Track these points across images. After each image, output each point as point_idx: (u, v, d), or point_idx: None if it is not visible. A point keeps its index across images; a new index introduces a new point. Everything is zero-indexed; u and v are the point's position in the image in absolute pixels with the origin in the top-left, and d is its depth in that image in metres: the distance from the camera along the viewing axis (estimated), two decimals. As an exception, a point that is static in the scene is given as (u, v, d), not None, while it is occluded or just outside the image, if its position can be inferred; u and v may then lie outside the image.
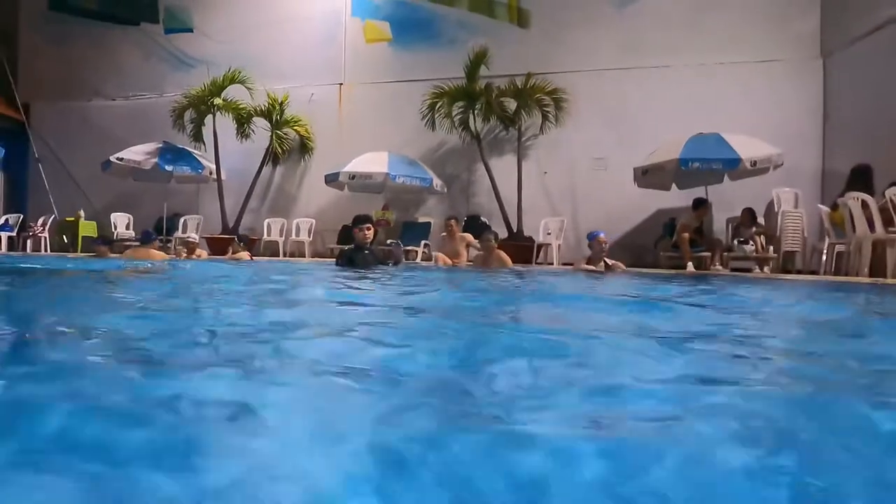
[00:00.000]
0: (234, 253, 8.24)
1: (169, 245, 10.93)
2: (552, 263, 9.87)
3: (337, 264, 6.49)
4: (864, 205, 5.70)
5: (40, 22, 14.16)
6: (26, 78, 14.12)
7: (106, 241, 8.47)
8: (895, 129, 7.96)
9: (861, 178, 6.50)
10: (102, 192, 13.06)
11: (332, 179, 10.58)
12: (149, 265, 6.60)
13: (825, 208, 7.37)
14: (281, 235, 11.48)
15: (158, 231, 11.45)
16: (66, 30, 13.94)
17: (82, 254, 11.42)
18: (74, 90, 13.77)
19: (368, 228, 6.15)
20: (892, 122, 8.03)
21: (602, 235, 6.63)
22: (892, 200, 5.37)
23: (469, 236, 8.18)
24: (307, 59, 12.27)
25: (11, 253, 11.48)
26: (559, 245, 10.05)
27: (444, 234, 8.58)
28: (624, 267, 6.81)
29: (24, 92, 13.95)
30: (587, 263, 6.74)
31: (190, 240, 8.67)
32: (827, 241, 6.99)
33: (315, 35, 12.30)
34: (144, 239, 7.90)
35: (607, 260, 6.66)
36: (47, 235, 12.01)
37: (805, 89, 9.88)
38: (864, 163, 6.80)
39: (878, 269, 5.83)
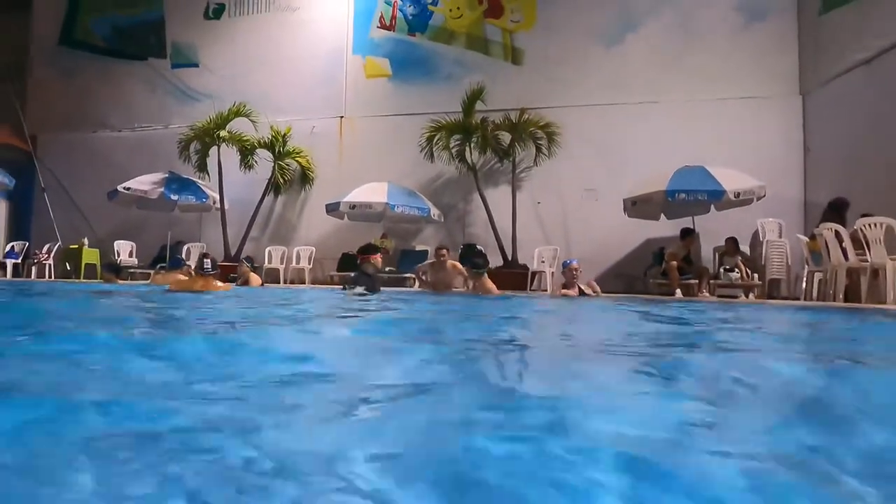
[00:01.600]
0: (243, 275, 8.41)
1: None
2: (546, 290, 10.16)
3: (343, 289, 6.80)
4: (838, 235, 6.06)
5: (50, 56, 14.65)
6: (34, 110, 14.56)
7: (113, 268, 8.72)
8: (869, 162, 8.44)
9: (836, 211, 6.89)
10: (106, 220, 13.35)
11: (332, 209, 10.92)
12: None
13: (804, 238, 7.75)
14: (282, 263, 11.75)
15: (162, 259, 11.74)
16: (75, 64, 14.44)
17: (85, 280, 11.65)
18: (81, 122, 14.19)
19: (374, 256, 6.57)
20: (866, 156, 8.51)
21: (574, 263, 7.07)
22: (861, 230, 5.75)
23: (459, 266, 8.11)
24: (309, 94, 12.75)
25: (15, 279, 11.70)
26: (552, 272, 10.37)
27: (432, 261, 8.34)
28: (597, 290, 7.21)
29: (32, 124, 14.38)
30: (563, 288, 7.15)
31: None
32: (806, 268, 7.35)
33: (317, 71, 12.81)
34: (174, 264, 8.17)
35: (580, 285, 7.03)
36: (52, 263, 12.24)
37: (786, 124, 10.38)
38: (840, 196, 7.21)
39: (853, 294, 6.17)
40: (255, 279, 8.77)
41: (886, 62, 8.36)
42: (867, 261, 5.71)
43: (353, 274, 7.14)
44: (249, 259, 9.01)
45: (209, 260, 6.99)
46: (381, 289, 7.28)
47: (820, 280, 7.09)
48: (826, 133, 9.82)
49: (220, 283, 6.91)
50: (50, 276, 12.12)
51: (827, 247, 6.20)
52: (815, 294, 7.16)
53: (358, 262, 7.15)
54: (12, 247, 12.57)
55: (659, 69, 11.02)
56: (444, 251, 7.97)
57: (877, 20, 8.54)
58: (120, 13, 14.26)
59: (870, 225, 5.73)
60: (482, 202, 10.87)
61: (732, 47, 10.72)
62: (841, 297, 5.97)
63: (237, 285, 8.08)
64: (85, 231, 13.23)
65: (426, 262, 8.34)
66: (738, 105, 10.55)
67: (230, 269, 10.61)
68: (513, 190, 10.74)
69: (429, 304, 5.42)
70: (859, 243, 5.83)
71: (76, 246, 12.50)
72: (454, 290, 7.94)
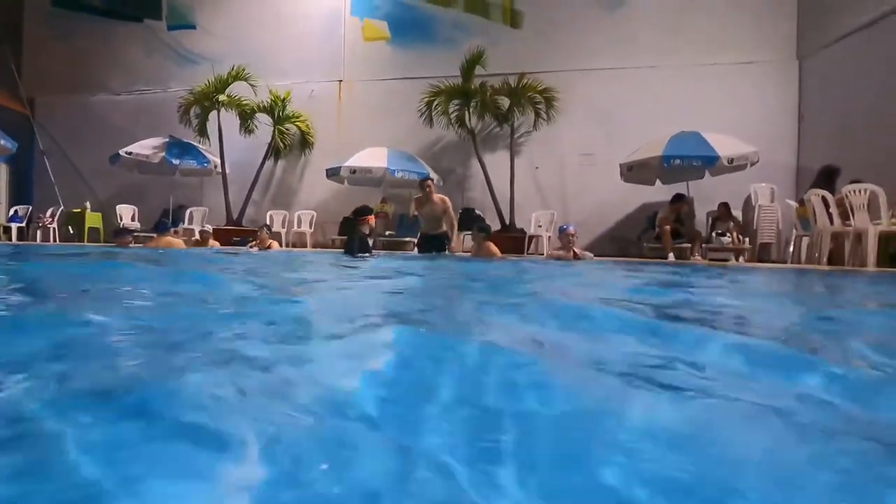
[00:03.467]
0: (263, 242, 8.59)
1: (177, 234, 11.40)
2: (543, 254, 10.40)
3: (347, 253, 7.07)
4: (825, 200, 6.27)
5: (44, 17, 14.46)
6: (31, 73, 14.45)
7: (128, 231, 8.90)
8: (862, 129, 8.58)
9: (826, 178, 7.06)
10: (107, 184, 13.46)
11: (333, 173, 11.06)
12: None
13: (793, 203, 7.96)
14: (283, 227, 11.95)
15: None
16: (70, 25, 14.26)
17: (89, 243, 11.86)
18: (79, 85, 14.13)
19: (369, 218, 6.83)
20: (859, 123, 8.64)
21: (570, 229, 7.29)
22: (847, 196, 5.95)
23: (447, 200, 7.86)
24: (308, 56, 12.71)
25: (20, 243, 11.88)
26: (549, 237, 10.59)
27: (418, 195, 7.96)
28: (591, 256, 7.48)
29: (29, 86, 14.29)
30: (557, 251, 7.40)
31: (206, 230, 9.19)
32: (794, 233, 7.58)
33: (315, 33, 12.74)
34: (161, 229, 8.35)
35: (576, 250, 7.28)
36: (56, 226, 12.41)
37: (782, 90, 10.46)
38: (831, 164, 7.37)
39: (838, 258, 6.42)
40: (275, 245, 8.96)
41: (883, 28, 8.40)
42: (851, 226, 5.93)
43: (352, 236, 7.36)
44: (269, 227, 9.18)
45: (165, 221, 8.56)
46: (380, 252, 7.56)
47: (808, 244, 7.33)
48: (821, 99, 9.91)
49: (176, 241, 8.07)
50: (54, 240, 12.31)
51: (814, 212, 6.40)
52: (802, 258, 7.41)
53: (355, 223, 7.35)
54: (16, 211, 12.71)
55: (658, 33, 11.00)
56: (430, 182, 7.88)
57: (873, -14, 8.54)
58: (114, -28, 14.03)
59: (855, 191, 5.94)
60: (480, 167, 11.00)
61: (732, 12, 10.69)
62: (825, 260, 6.21)
63: (258, 250, 8.28)
64: (87, 195, 13.36)
65: (414, 198, 8.15)
66: (735, 70, 10.60)
67: (232, 233, 10.85)
68: (511, 154, 10.87)
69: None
70: (844, 208, 6.04)
71: (79, 210, 12.67)
72: (457, 252, 8.12)
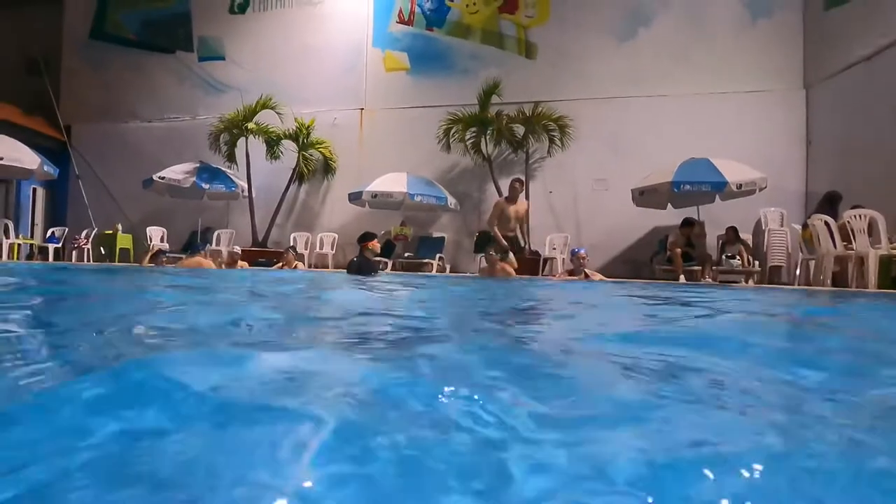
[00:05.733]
0: (289, 263, 9.01)
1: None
2: (555, 275, 10.72)
3: (348, 272, 7.53)
4: (828, 225, 6.57)
5: (82, 49, 15.28)
6: (68, 101, 15.22)
7: (163, 252, 9.39)
8: (867, 154, 8.87)
9: (829, 203, 7.37)
10: (137, 206, 14.07)
11: (355, 198, 11.53)
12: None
13: (798, 227, 8.24)
14: (306, 248, 12.40)
15: (193, 244, 12.46)
16: (106, 56, 15.07)
17: (120, 264, 12.40)
18: (113, 112, 14.86)
19: (372, 243, 7.31)
20: (865, 149, 8.94)
21: (582, 252, 7.70)
22: (848, 222, 6.25)
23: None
24: (331, 86, 13.30)
25: (56, 262, 12.45)
26: (563, 259, 10.92)
27: (484, 266, 8.34)
28: (601, 276, 7.81)
29: (66, 114, 15.04)
30: (569, 274, 7.75)
31: (234, 251, 9.65)
32: (801, 256, 7.86)
33: (338, 64, 13.35)
34: (194, 249, 8.83)
35: (587, 271, 7.62)
36: (90, 247, 12.99)
37: (790, 117, 10.79)
38: (833, 190, 7.68)
39: (842, 280, 6.69)
40: (301, 266, 9.38)
41: (886, 59, 8.74)
42: (853, 250, 6.22)
43: (354, 258, 7.81)
44: (294, 248, 9.61)
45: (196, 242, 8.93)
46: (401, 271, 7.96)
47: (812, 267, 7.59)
48: (827, 126, 10.23)
49: (206, 261, 8.48)
50: (88, 260, 12.87)
51: (818, 236, 6.70)
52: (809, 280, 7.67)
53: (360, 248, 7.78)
54: (53, 232, 13.32)
55: (669, 63, 11.43)
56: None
57: (879, 17, 8.89)
58: (149, 7, 14.84)
59: (856, 216, 6.23)
60: (496, 191, 11.40)
61: (739, 42, 11.11)
62: (829, 282, 6.49)
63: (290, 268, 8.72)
64: (118, 217, 13.96)
65: (500, 199, 8.59)
66: (744, 99, 10.96)
67: (258, 254, 11.32)
68: (526, 179, 11.24)
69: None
70: (845, 232, 6.34)
71: (110, 232, 13.24)
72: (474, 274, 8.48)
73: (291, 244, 11.14)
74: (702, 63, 11.26)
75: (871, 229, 6.15)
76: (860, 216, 6.19)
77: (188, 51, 14.49)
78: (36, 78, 15.05)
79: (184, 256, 10.94)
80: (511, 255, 8.06)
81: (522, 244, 8.36)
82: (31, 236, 14.05)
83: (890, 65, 8.65)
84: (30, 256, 13.34)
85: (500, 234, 8.39)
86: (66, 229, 13.46)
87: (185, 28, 14.50)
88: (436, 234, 12.25)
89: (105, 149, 14.75)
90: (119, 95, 14.89)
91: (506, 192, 11.17)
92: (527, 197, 11.05)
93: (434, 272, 11.11)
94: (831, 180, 9.04)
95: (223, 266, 9.62)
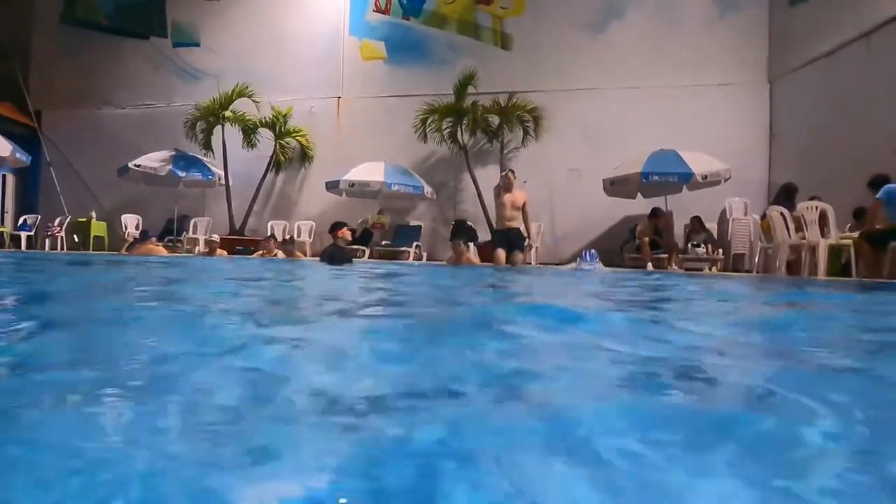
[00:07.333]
0: (270, 251, 9.04)
1: (178, 244, 11.92)
2: (530, 263, 11.01)
3: (321, 261, 7.64)
4: (783, 216, 6.93)
5: (52, 33, 14.99)
6: (38, 86, 14.93)
7: (146, 236, 9.41)
8: (828, 146, 9.26)
9: (786, 195, 7.74)
10: (111, 194, 13.96)
11: (332, 186, 11.64)
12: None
13: (757, 218, 8.63)
14: (284, 236, 12.48)
15: (169, 231, 12.49)
16: (77, 41, 14.81)
17: (94, 252, 12.35)
18: (85, 99, 14.66)
19: (342, 231, 7.41)
20: (823, 143, 9.33)
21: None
22: (802, 213, 6.61)
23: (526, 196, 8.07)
24: (308, 74, 13.32)
25: (28, 251, 12.34)
26: (536, 247, 11.20)
27: (498, 184, 8.31)
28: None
29: (36, 100, 14.77)
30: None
31: (212, 240, 9.73)
32: (759, 245, 8.24)
33: (315, 52, 13.36)
34: (144, 236, 8.88)
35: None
36: (63, 235, 12.89)
37: (755, 110, 11.18)
38: (790, 182, 8.06)
39: (796, 268, 7.07)
40: (280, 254, 9.40)
41: (846, 55, 9.11)
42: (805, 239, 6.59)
43: (328, 247, 7.83)
44: (290, 240, 9.61)
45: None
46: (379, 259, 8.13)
47: (769, 255, 7.98)
48: (790, 120, 10.63)
49: (157, 248, 8.74)
50: (62, 249, 12.78)
51: (774, 226, 7.06)
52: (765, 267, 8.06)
53: (332, 237, 7.75)
54: (25, 220, 13.18)
55: (640, 56, 11.71)
56: (511, 172, 8.12)
57: (840, 14, 9.24)
58: (121, -9, 14.61)
59: (808, 208, 6.59)
60: (472, 180, 11.62)
61: (708, 37, 11.43)
62: (783, 270, 6.86)
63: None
64: (91, 205, 13.84)
65: (497, 186, 8.30)
66: (712, 92, 11.31)
67: (237, 241, 11.39)
68: (501, 169, 11.44)
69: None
70: (799, 223, 6.70)
71: (84, 219, 13.14)
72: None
73: (270, 233, 11.21)
74: (672, 56, 11.56)
75: (823, 220, 6.51)
76: (813, 208, 6.54)
77: (162, 36, 14.34)
78: (2, 63, 14.73)
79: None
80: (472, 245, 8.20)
81: (526, 237, 8.24)
82: (2, 224, 13.86)
83: (849, 61, 9.02)
84: (0, 244, 13.18)
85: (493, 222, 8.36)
86: (39, 217, 13.32)
87: (160, 13, 14.32)
88: (413, 223, 12.44)
89: (78, 135, 14.54)
90: (91, 81, 14.67)
91: (481, 182, 11.48)
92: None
93: (411, 260, 11.31)
94: (793, 172, 9.42)
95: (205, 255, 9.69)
